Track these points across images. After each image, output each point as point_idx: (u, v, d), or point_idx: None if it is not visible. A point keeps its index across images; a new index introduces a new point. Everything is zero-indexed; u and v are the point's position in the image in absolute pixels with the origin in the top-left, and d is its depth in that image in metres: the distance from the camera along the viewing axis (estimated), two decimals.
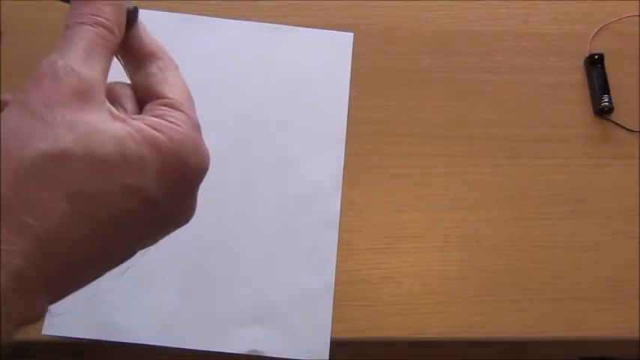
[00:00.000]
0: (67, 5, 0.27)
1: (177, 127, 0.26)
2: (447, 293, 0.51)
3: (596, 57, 0.59)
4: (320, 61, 0.59)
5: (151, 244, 0.28)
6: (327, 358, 0.48)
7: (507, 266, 0.52)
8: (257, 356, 0.48)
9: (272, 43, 0.59)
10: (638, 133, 0.57)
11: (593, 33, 0.61)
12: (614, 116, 0.58)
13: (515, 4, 0.62)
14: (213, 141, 0.55)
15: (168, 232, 0.28)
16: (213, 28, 0.60)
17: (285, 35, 0.60)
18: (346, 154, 0.55)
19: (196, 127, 0.27)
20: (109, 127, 0.24)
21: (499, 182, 0.55)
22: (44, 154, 0.23)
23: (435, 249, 0.52)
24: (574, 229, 0.53)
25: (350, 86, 0.58)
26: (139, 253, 0.28)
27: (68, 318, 0.48)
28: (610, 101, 0.57)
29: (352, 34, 0.60)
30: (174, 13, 0.59)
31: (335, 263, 0.51)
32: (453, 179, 0.55)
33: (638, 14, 0.61)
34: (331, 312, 0.50)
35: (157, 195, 0.25)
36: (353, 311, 0.50)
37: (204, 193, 0.52)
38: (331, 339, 0.49)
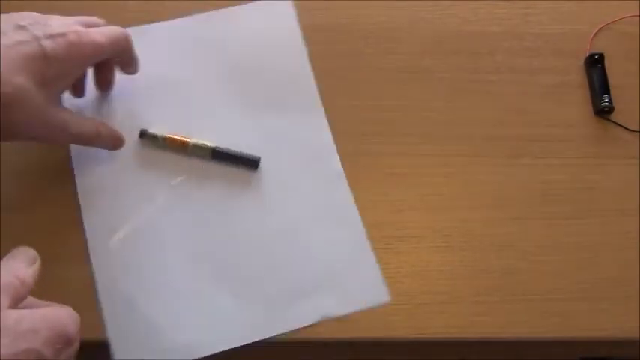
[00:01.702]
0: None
1: None
2: (447, 293, 0.51)
3: (596, 57, 0.59)
4: (269, 32, 0.60)
5: None
6: (388, 298, 0.50)
7: (507, 266, 0.52)
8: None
9: (218, 30, 0.59)
10: (638, 133, 0.57)
11: (593, 33, 0.61)
12: (614, 116, 0.58)
13: (515, 4, 0.62)
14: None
15: None
16: (154, 34, 0.59)
17: (227, 16, 0.60)
18: (346, 154, 0.55)
19: None
20: None
21: (499, 182, 0.55)
22: None
23: (435, 249, 0.52)
24: (574, 229, 0.53)
25: (308, 55, 0.58)
26: None
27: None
28: (610, 101, 0.57)
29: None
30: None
31: (356, 210, 0.52)
32: (453, 179, 0.55)
33: (638, 14, 0.61)
34: (373, 255, 0.51)
35: None
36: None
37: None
38: (331, 339, 0.49)
